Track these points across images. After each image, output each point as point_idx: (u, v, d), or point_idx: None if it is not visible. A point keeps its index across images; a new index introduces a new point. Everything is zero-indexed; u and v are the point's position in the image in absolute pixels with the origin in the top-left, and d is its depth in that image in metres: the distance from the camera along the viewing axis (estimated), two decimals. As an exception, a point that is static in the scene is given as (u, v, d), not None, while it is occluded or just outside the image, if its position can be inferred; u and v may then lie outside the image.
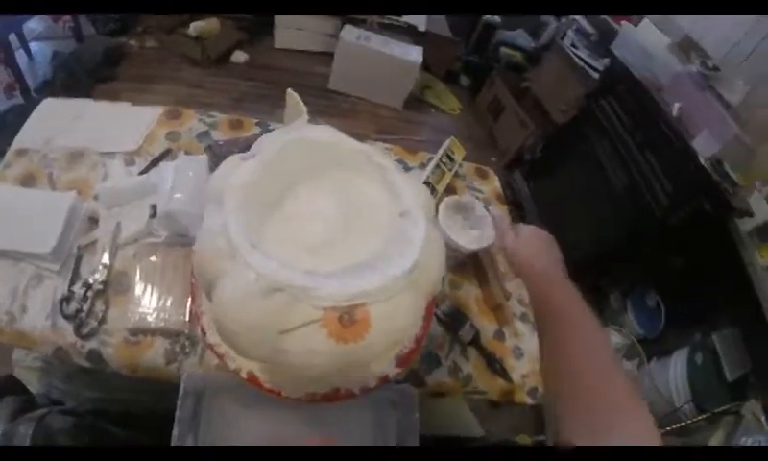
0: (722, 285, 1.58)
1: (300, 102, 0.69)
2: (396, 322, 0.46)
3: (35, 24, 2.34)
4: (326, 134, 0.54)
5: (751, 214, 1.48)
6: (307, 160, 0.52)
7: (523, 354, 0.87)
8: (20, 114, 1.99)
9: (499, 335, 0.87)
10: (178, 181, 0.80)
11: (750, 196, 1.53)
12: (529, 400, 0.84)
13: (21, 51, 2.23)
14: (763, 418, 1.27)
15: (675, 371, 1.54)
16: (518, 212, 2.14)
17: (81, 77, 2.13)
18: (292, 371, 0.47)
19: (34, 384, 1.14)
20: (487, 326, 0.87)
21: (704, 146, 1.54)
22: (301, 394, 0.57)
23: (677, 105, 1.69)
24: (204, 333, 0.60)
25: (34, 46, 2.46)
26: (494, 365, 0.83)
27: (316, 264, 0.45)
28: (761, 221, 1.48)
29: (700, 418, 1.35)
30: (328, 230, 0.50)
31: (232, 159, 0.51)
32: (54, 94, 1.13)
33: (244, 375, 0.57)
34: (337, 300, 0.43)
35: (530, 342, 0.88)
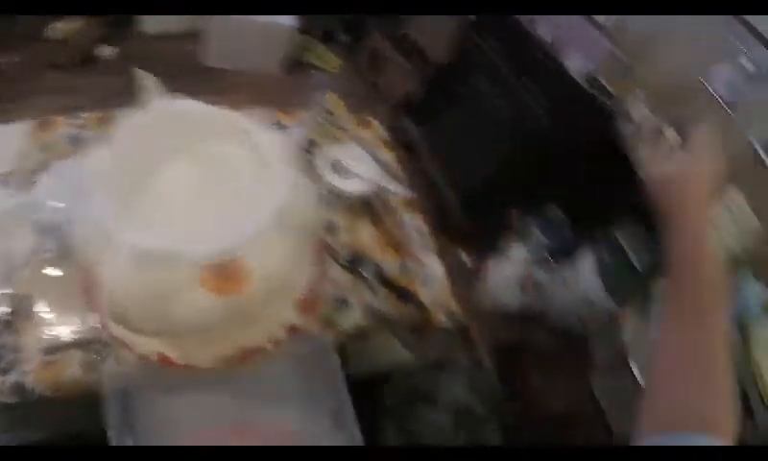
0: (616, 187, 1.74)
1: (152, 79, 0.70)
2: (272, 267, 0.51)
3: None
4: (180, 106, 0.57)
5: (630, 119, 1.63)
6: (164, 134, 0.55)
7: (431, 280, 0.93)
8: None
9: (403, 268, 0.93)
10: (56, 190, 0.80)
11: (630, 104, 1.68)
12: (446, 322, 0.91)
13: None
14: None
15: (586, 272, 1.69)
16: (411, 155, 2.22)
17: None
18: (189, 336, 0.50)
19: None
20: (390, 261, 0.93)
21: (577, 64, 1.68)
22: (213, 361, 0.61)
23: (547, 29, 1.84)
24: (104, 329, 0.62)
25: None
26: (405, 296, 0.89)
27: (188, 230, 0.48)
28: (639, 120, 1.64)
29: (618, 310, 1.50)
30: (196, 196, 0.53)
31: (93, 150, 0.53)
32: None
33: (154, 357, 0.61)
34: (211, 256, 0.47)
35: (434, 267, 0.95)
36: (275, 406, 0.77)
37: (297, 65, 2.71)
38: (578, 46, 1.74)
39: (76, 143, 1.00)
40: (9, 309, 0.78)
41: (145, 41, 2.62)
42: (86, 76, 2.35)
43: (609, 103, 1.60)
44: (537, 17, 1.92)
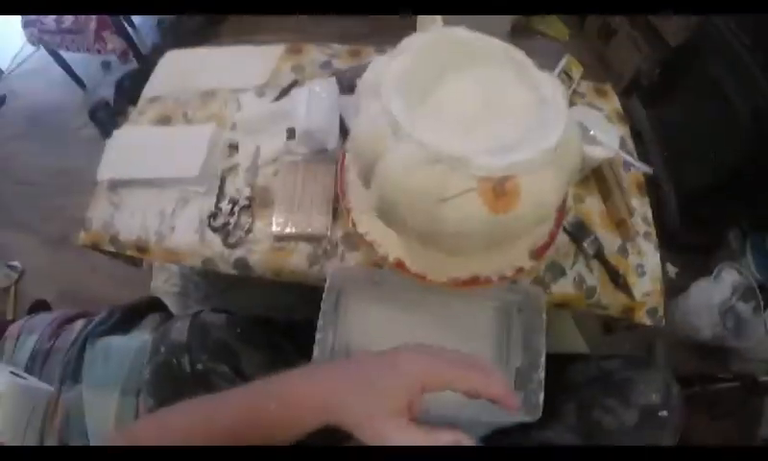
0: None
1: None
2: (542, 195, 0.52)
3: None
4: (465, 33, 0.60)
5: None
6: (450, 55, 0.59)
7: (645, 272, 0.88)
8: (137, 77, 2.25)
9: (622, 250, 0.89)
10: (312, 102, 0.91)
11: None
12: (647, 321, 0.86)
13: (125, 23, 2.47)
14: None
15: None
16: (638, 140, 2.07)
17: (188, 38, 2.34)
18: (444, 241, 0.54)
19: (172, 307, 1.32)
20: (610, 240, 0.90)
21: None
22: (445, 278, 0.65)
23: None
24: (354, 225, 0.69)
25: (136, 18, 2.71)
26: (617, 280, 0.86)
27: (468, 142, 0.51)
28: None
29: None
30: (477, 114, 0.56)
31: (382, 59, 0.59)
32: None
33: (391, 259, 0.67)
34: (491, 170, 0.49)
35: (652, 260, 0.90)
36: (466, 343, 0.80)
37: (523, 30, 2.67)
38: None
39: (327, 68, 1.12)
40: (249, 195, 0.91)
41: None
42: (317, 21, 2.46)
43: None
44: None
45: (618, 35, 2.42)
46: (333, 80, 0.96)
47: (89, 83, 2.52)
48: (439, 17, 0.76)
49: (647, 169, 0.86)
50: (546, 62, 1.13)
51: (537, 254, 0.68)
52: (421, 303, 0.81)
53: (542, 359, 0.73)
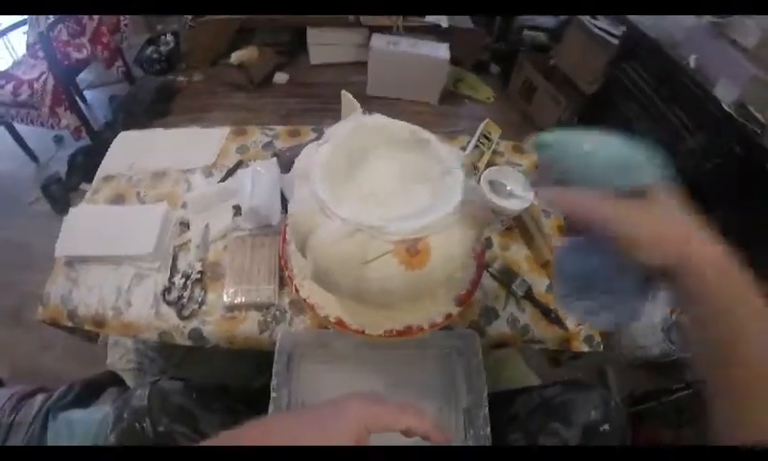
0: None
1: (353, 99, 0.88)
2: (450, 250, 0.63)
3: (87, 74, 2.70)
4: (380, 120, 0.73)
5: None
6: (368, 140, 0.71)
7: None
8: (89, 153, 2.33)
9: (551, 289, 1.01)
10: (256, 181, 1.02)
11: None
12: (585, 348, 0.97)
13: (78, 99, 2.57)
14: None
15: None
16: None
17: (138, 115, 2.47)
18: (372, 298, 0.64)
19: (130, 382, 1.35)
20: (539, 281, 1.02)
21: (725, 92, 1.66)
22: (381, 331, 0.75)
23: (693, 57, 1.84)
24: (297, 291, 0.79)
25: (88, 93, 2.85)
26: (549, 315, 0.97)
27: (386, 213, 0.63)
28: None
29: None
30: (392, 188, 0.68)
31: (311, 146, 0.71)
32: (116, 133, 1.36)
33: (332, 319, 0.76)
34: (404, 234, 0.60)
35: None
36: (414, 391, 0.88)
37: (452, 96, 2.95)
38: (725, 72, 1.71)
39: (267, 148, 1.24)
40: (201, 269, 0.99)
41: (313, 70, 3.02)
42: (263, 97, 2.81)
43: (759, 132, 1.55)
44: (683, 44, 1.91)
45: (538, 91, 2.71)
46: (274, 160, 1.08)
47: (42, 156, 2.59)
48: (358, 105, 0.88)
49: (558, 215, 0.99)
50: (473, 125, 1.30)
51: (462, 301, 0.79)
52: (368, 358, 0.90)
53: (485, 396, 0.82)
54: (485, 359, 0.86)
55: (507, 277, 0.99)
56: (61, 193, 2.27)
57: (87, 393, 1.10)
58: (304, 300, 0.78)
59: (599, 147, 0.51)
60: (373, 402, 0.57)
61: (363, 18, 2.79)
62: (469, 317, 0.95)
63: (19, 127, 2.42)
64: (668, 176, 0.49)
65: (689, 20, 1.98)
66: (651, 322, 1.70)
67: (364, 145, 0.71)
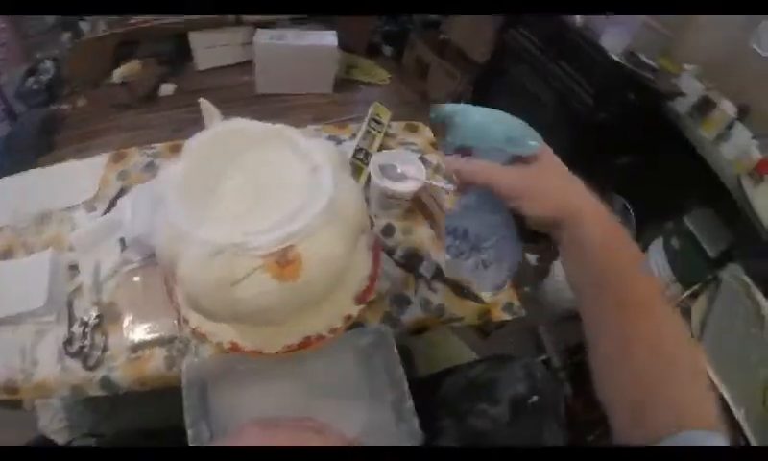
0: (678, 170, 1.72)
1: (211, 106, 0.82)
2: (325, 254, 0.59)
3: None
4: (239, 124, 0.68)
5: (682, 94, 1.62)
6: (227, 149, 0.66)
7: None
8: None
9: (457, 265, 0.99)
10: (136, 209, 0.94)
11: (680, 78, 1.66)
12: (507, 316, 0.96)
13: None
14: (746, 277, 1.38)
15: (654, 260, 1.67)
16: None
17: (24, 153, 2.28)
18: (255, 318, 0.60)
19: (64, 443, 1.27)
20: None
21: (612, 42, 1.70)
22: (279, 347, 0.71)
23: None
24: (186, 322, 0.73)
25: None
26: (462, 291, 0.95)
27: (249, 227, 0.58)
28: (696, 98, 1.61)
29: (685, 294, 1.47)
30: (254, 198, 0.63)
31: (166, 165, 0.65)
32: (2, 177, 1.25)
33: (226, 345, 0.71)
34: (270, 246, 0.56)
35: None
36: (337, 396, 0.85)
37: (346, 83, 2.91)
38: (611, 23, 1.75)
39: (150, 170, 1.15)
40: (97, 313, 0.92)
41: (200, 76, 2.90)
42: (151, 112, 2.66)
43: (652, 77, 1.60)
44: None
45: (432, 67, 2.73)
46: (152, 183, 1.00)
47: None
48: (217, 112, 0.83)
49: (452, 187, 0.98)
50: (364, 108, 1.26)
51: (361, 298, 0.76)
52: (283, 373, 0.86)
53: (405, 388, 0.79)
54: (414, 345, 0.84)
55: (413, 261, 0.97)
56: None
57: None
58: (194, 329, 0.73)
59: (488, 117, 0.60)
60: (268, 427, 0.55)
61: (244, 15, 2.69)
62: (381, 310, 0.92)
63: None
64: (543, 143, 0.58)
65: None
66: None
67: (223, 154, 0.66)
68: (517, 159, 0.56)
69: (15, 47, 2.83)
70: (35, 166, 1.33)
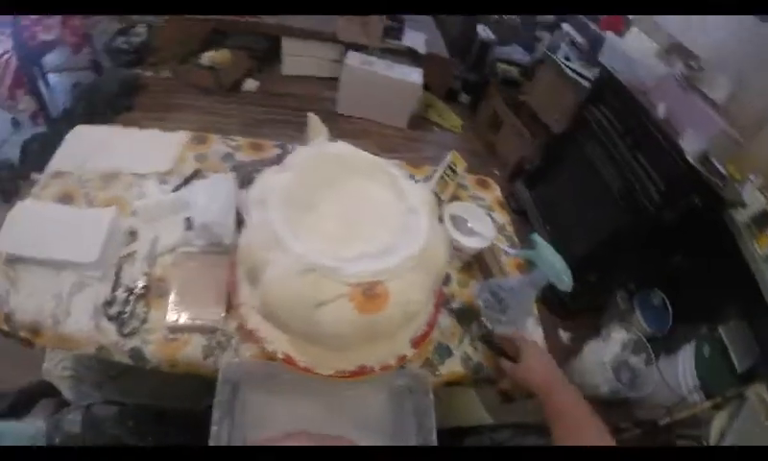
0: (724, 278, 1.70)
1: (321, 123, 0.83)
2: (409, 296, 0.59)
3: (54, 57, 2.52)
4: (345, 149, 0.68)
5: (743, 205, 1.61)
6: (330, 170, 0.67)
7: None
8: (44, 142, 2.20)
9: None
10: (212, 196, 0.95)
11: (743, 188, 1.65)
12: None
13: (40, 82, 2.42)
14: (768, 397, 1.33)
15: (683, 364, 1.65)
16: (523, 219, 2.28)
17: (100, 107, 2.34)
18: (324, 341, 0.59)
19: (65, 392, 1.26)
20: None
21: (691, 143, 1.70)
22: (331, 371, 0.70)
23: (662, 105, 1.87)
24: (244, 322, 0.73)
25: (52, 77, 2.65)
26: (504, 356, 0.94)
27: (341, 252, 0.58)
28: (755, 211, 1.60)
29: (706, 404, 1.43)
30: (349, 226, 0.63)
31: (270, 171, 0.66)
32: (74, 123, 1.27)
33: (280, 355, 0.70)
34: (361, 277, 0.56)
35: (534, 334, 1.00)
36: (363, 429, 0.83)
37: (420, 121, 2.94)
38: (692, 123, 1.75)
39: (228, 160, 1.17)
40: (145, 284, 0.91)
41: (284, 80, 2.94)
42: (231, 102, 2.70)
43: (721, 185, 1.59)
44: (653, 92, 1.96)
45: (505, 124, 2.74)
46: (232, 175, 1.00)
47: None
48: (325, 129, 0.84)
49: (516, 254, 0.97)
50: (439, 152, 1.27)
51: (417, 342, 0.75)
52: (317, 392, 0.84)
53: (434, 437, 0.78)
54: (436, 392, 0.83)
55: (466, 316, 0.96)
56: (11, 180, 2.11)
57: (20, 403, 1.02)
58: (251, 332, 0.72)
59: (550, 253, 0.84)
60: (315, 437, 0.59)
61: (340, 34, 2.75)
62: (423, 354, 0.90)
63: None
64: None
65: (660, 69, 2.04)
66: (600, 360, 1.71)
67: (325, 174, 0.66)
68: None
69: (113, 2, 2.91)
70: (108, 121, 1.34)
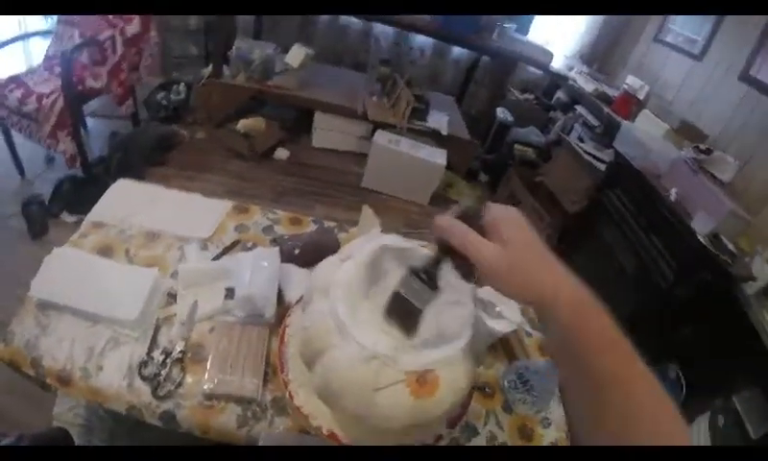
0: (736, 349, 1.73)
1: (374, 214, 0.89)
2: (458, 382, 0.63)
3: (94, 102, 2.60)
4: (399, 242, 0.74)
5: (753, 278, 1.67)
6: (387, 262, 0.72)
7: (551, 423, 1.02)
8: (77, 184, 2.24)
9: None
10: (255, 268, 0.99)
11: (752, 260, 1.72)
12: None
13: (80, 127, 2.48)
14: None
15: (698, 436, 1.65)
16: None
17: (135, 158, 2.41)
18: (374, 422, 0.63)
19: (76, 440, 1.24)
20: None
21: (701, 224, 1.79)
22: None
23: (674, 190, 2.00)
24: (291, 397, 0.76)
25: (89, 121, 2.75)
26: (527, 435, 0.97)
27: (398, 342, 0.63)
28: (765, 283, 1.66)
29: None
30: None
31: (332, 259, 0.72)
32: (109, 171, 1.32)
33: (325, 432, 0.73)
34: (416, 366, 0.60)
35: (557, 413, 1.04)
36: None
37: (440, 198, 3.05)
38: (702, 205, 1.86)
39: (268, 232, 1.22)
40: (183, 348, 0.93)
41: (314, 152, 3.08)
42: (262, 169, 2.79)
43: (730, 261, 1.65)
44: (665, 177, 2.07)
45: (523, 205, 2.84)
46: (276, 250, 1.05)
47: (29, 172, 2.46)
48: (378, 220, 0.90)
49: (540, 335, 1.02)
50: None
51: (453, 423, 0.79)
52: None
53: None
54: None
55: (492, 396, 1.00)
56: (40, 216, 2.14)
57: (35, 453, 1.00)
58: (298, 407, 0.76)
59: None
60: None
61: (370, 113, 2.91)
62: (451, 434, 0.93)
63: (15, 135, 2.32)
64: None
65: (672, 151, 2.17)
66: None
67: (382, 267, 0.72)
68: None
69: (159, 60, 3.07)
70: (142, 173, 1.36)
